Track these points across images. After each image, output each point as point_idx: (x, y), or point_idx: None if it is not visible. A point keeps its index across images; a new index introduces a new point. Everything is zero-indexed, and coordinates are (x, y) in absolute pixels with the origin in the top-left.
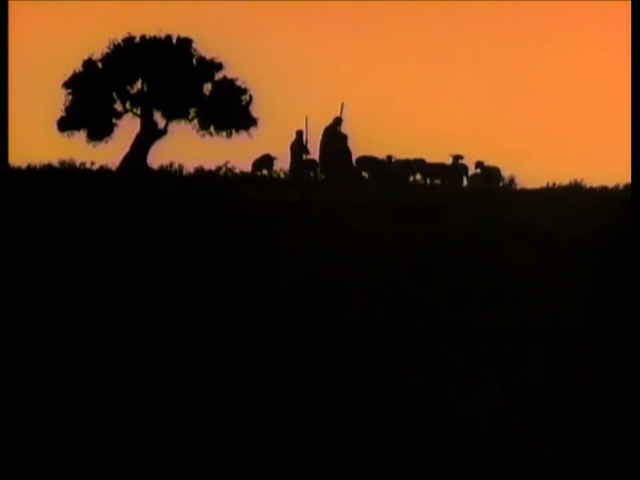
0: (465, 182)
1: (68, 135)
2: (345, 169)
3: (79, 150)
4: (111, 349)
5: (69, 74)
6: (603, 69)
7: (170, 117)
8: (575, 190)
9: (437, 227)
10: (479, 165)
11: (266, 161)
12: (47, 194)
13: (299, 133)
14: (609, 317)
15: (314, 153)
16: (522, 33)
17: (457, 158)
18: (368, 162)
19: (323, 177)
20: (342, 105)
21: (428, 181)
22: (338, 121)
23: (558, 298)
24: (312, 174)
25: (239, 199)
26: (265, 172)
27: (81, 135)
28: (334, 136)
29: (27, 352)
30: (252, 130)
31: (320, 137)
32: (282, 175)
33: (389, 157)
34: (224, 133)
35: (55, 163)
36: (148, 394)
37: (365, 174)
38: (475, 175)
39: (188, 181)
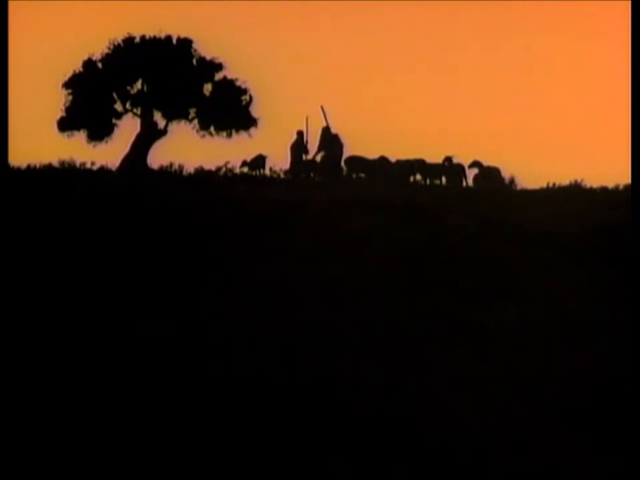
0: (464, 182)
1: (68, 135)
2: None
3: (79, 150)
4: (112, 348)
5: (69, 74)
6: (603, 69)
7: (170, 117)
8: (575, 190)
9: (436, 227)
10: (475, 164)
11: (259, 160)
12: (47, 194)
13: (300, 134)
14: (609, 316)
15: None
16: (522, 33)
17: (447, 159)
18: (356, 161)
19: (319, 178)
20: (322, 108)
21: (428, 181)
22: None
23: (558, 298)
24: (312, 174)
25: (239, 199)
26: (259, 172)
27: (81, 135)
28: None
29: (27, 351)
30: (252, 130)
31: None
32: (282, 175)
33: (383, 158)
34: (224, 133)
35: (55, 163)
36: (149, 392)
37: (362, 175)
38: (477, 175)
39: (188, 181)
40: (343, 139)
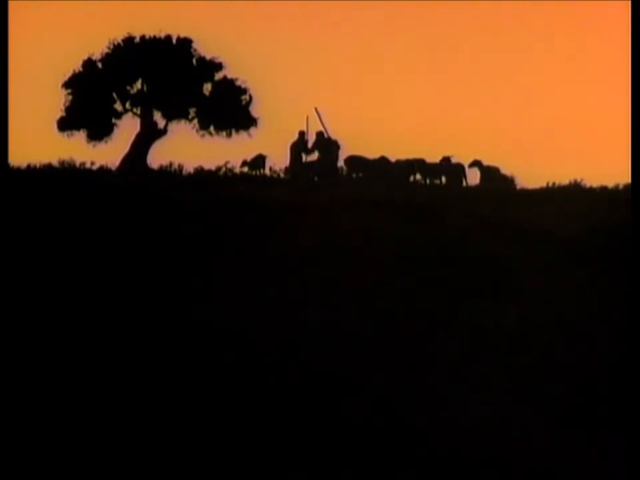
0: (464, 182)
1: (68, 135)
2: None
3: (79, 150)
4: (112, 348)
5: (69, 74)
6: (603, 69)
7: (170, 117)
8: (575, 190)
9: (436, 227)
10: (475, 164)
11: (259, 160)
12: (47, 194)
13: (302, 134)
14: (609, 316)
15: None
16: (522, 32)
17: (444, 159)
18: (356, 161)
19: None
20: (315, 110)
21: (428, 180)
22: (321, 134)
23: (558, 298)
24: (310, 175)
25: (239, 198)
26: (259, 172)
27: (81, 135)
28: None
29: (27, 352)
30: (252, 130)
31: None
32: (282, 175)
33: (383, 158)
34: (224, 133)
35: (55, 163)
36: (149, 392)
37: (360, 174)
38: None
39: (188, 181)
40: (340, 142)
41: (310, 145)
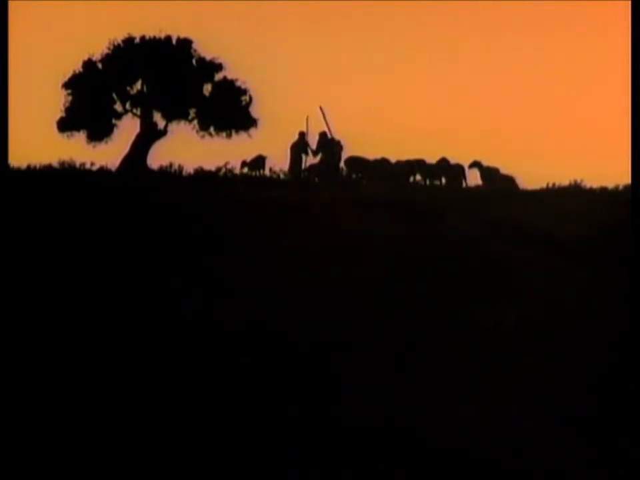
0: (464, 183)
1: (68, 136)
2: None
3: (79, 151)
4: (112, 349)
5: (69, 74)
6: (602, 69)
7: (170, 117)
8: (575, 190)
9: (436, 227)
10: (475, 164)
11: (259, 161)
12: (47, 195)
13: (302, 134)
14: (609, 316)
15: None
16: (522, 32)
17: (442, 160)
18: (356, 162)
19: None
20: (320, 109)
21: (428, 181)
22: (324, 135)
23: (558, 298)
24: (311, 175)
25: (239, 199)
26: (259, 172)
27: (81, 136)
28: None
29: (26, 352)
30: (252, 130)
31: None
32: (282, 175)
33: (383, 158)
34: (224, 134)
35: (55, 163)
36: (149, 394)
37: (360, 175)
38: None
39: (188, 182)
40: (343, 142)
41: (312, 145)
